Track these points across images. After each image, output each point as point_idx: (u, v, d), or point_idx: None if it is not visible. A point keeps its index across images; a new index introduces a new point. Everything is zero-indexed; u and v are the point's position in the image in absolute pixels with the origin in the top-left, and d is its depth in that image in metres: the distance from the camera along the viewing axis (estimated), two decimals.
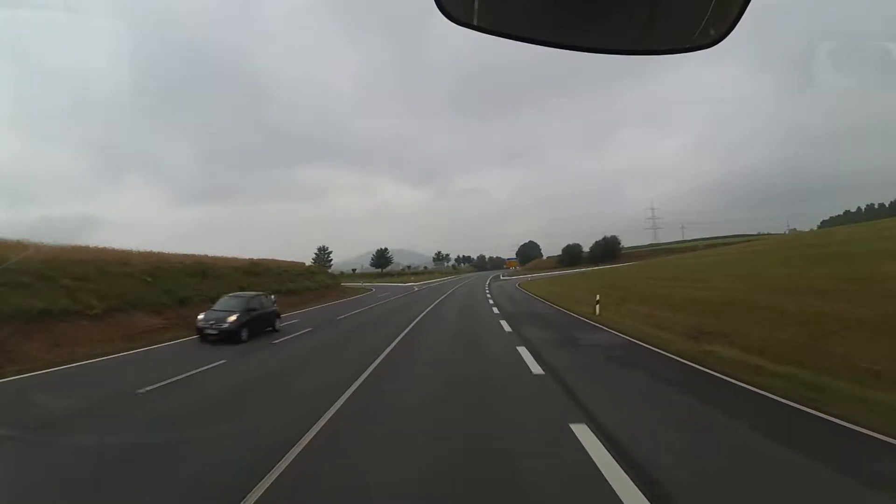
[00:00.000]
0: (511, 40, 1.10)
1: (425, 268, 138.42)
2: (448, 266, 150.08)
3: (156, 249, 22.67)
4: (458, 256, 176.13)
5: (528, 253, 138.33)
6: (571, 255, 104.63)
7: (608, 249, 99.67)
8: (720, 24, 1.04)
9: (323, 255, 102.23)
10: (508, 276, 78.14)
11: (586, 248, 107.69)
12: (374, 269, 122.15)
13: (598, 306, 18.06)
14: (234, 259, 29.78)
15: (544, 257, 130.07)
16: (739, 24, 1.02)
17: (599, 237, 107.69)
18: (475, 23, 1.07)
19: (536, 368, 8.76)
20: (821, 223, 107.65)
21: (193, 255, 24.67)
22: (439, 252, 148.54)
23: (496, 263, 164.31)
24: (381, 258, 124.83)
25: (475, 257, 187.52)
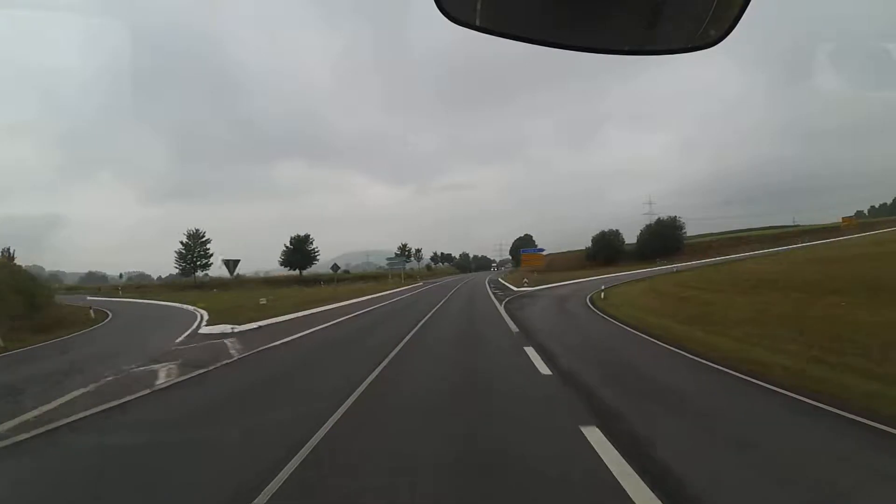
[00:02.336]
0: (512, 40, 1.10)
1: (343, 270, 79.69)
2: (420, 266, 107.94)
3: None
4: (434, 254, 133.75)
5: (524, 247, 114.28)
6: (609, 249, 71.71)
7: (666, 240, 67.66)
8: (720, 24, 1.06)
9: (194, 246, 66.23)
10: (525, 282, 38.45)
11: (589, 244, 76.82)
12: (288, 272, 76.04)
13: None
14: None
15: (543, 253, 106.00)
16: (739, 24, 1.04)
17: (598, 232, 75.36)
18: (477, 23, 1.07)
19: None
20: (855, 213, 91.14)
21: None
22: (404, 245, 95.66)
23: (482, 263, 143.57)
24: (299, 252, 74.24)
25: (457, 256, 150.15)
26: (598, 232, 76.13)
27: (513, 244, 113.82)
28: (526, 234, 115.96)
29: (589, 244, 76.53)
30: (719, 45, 1.08)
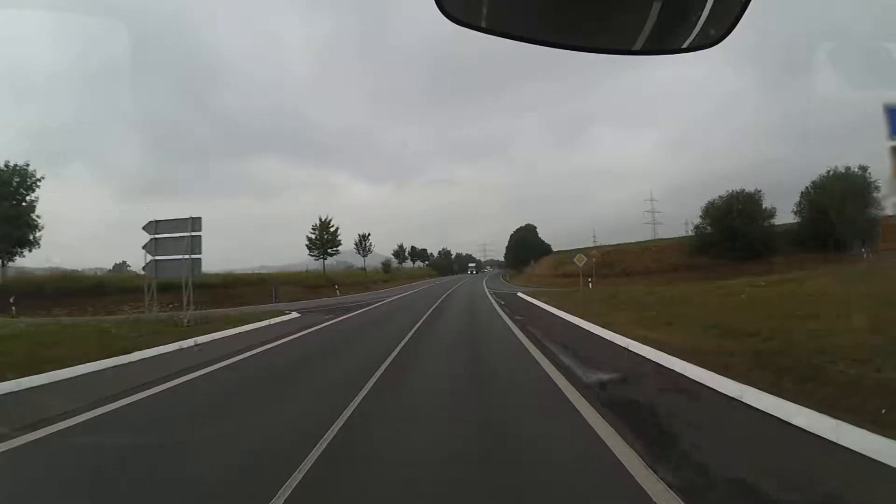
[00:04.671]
0: (513, 41, 1.13)
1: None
2: (373, 266, 67.26)
3: None
4: (400, 247, 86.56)
5: (529, 242, 79.80)
6: (752, 232, 32.46)
7: (853, 218, 25.63)
8: (720, 24, 1.07)
9: None
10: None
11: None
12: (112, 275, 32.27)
13: None
14: None
15: (554, 250, 66.42)
16: (739, 24, 1.05)
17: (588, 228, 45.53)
18: (478, 24, 1.08)
19: None
20: None
21: None
22: (326, 223, 43.95)
23: (464, 263, 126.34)
24: None
25: (435, 254, 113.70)
26: (714, 197, 36.52)
27: (511, 237, 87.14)
28: (528, 224, 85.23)
29: (601, 239, 43.10)
30: (720, 45, 1.09)
